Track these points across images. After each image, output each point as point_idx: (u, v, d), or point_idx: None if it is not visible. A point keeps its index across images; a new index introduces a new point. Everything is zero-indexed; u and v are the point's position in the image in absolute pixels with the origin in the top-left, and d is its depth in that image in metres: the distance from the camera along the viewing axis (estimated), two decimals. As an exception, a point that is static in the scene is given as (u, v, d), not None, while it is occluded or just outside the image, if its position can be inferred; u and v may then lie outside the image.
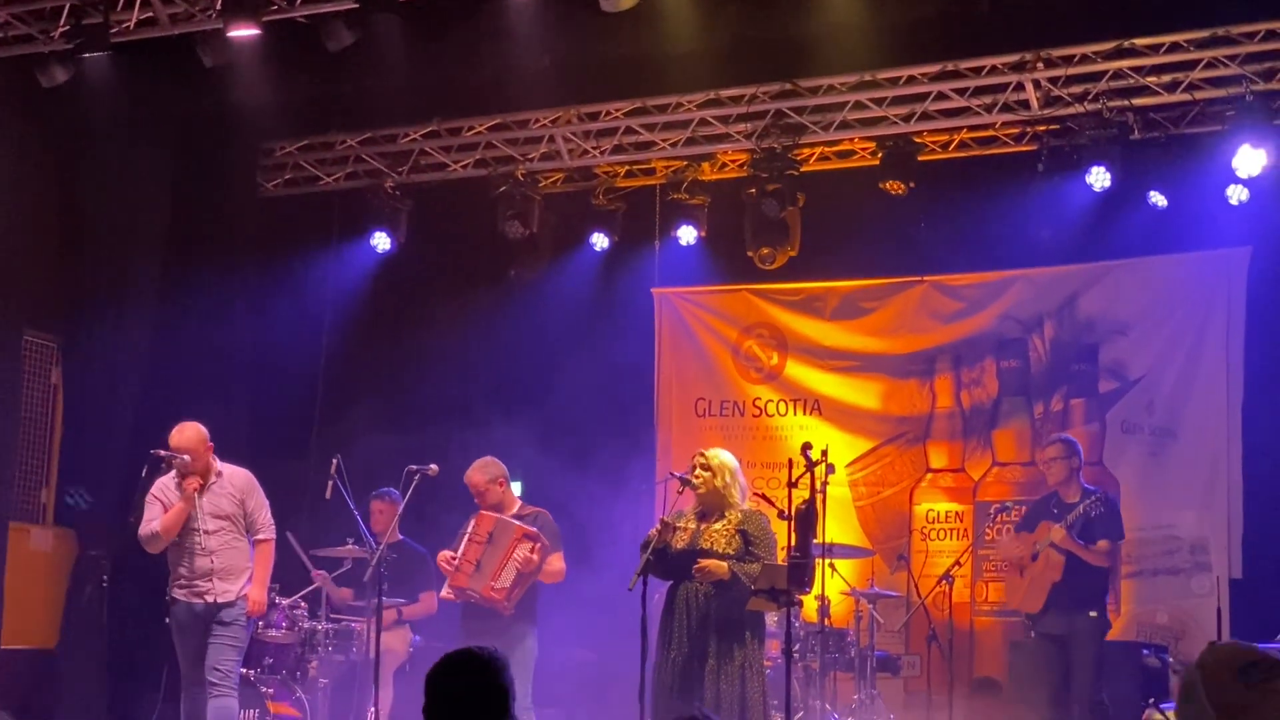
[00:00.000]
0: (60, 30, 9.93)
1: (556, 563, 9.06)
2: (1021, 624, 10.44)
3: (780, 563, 7.66)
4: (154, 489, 8.77)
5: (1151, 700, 9.03)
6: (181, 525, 8.64)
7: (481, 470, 9.21)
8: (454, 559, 8.94)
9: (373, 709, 9.38)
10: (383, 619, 9.00)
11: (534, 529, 8.89)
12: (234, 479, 8.90)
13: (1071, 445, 9.60)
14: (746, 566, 7.64)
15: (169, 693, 10.01)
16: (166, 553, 8.76)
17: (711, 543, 7.75)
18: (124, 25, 9.86)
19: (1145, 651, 9.58)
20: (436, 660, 3.72)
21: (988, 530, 10.93)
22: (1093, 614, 9.13)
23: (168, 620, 8.80)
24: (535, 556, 8.79)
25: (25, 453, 11.38)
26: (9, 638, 10.72)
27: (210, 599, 8.66)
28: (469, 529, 9.02)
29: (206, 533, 8.66)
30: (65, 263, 11.59)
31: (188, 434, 8.73)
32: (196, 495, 8.66)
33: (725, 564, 7.67)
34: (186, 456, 8.67)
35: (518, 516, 9.07)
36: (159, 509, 8.68)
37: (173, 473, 8.74)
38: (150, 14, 9.85)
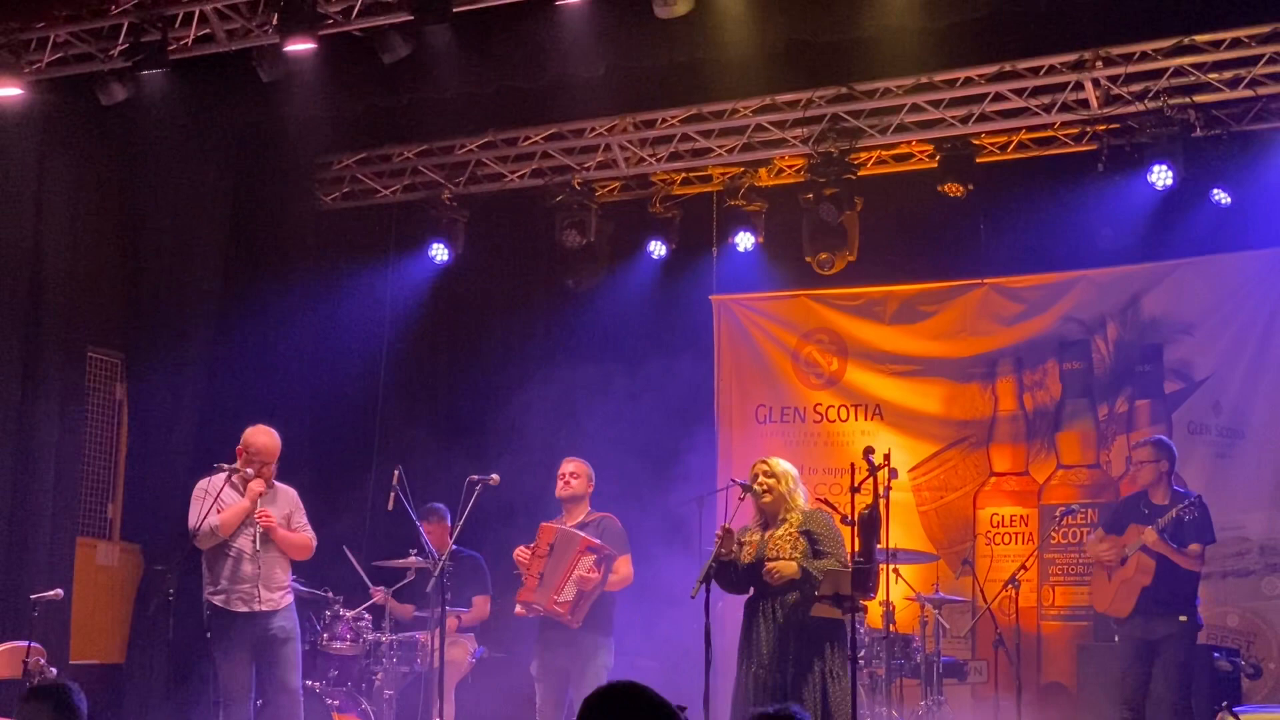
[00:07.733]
0: (119, 48, 10.01)
1: (624, 568, 9.03)
2: (1093, 627, 10.34)
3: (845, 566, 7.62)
4: (200, 487, 8.71)
5: (1224, 704, 8.90)
6: (238, 525, 8.64)
7: (583, 463, 9.24)
8: (526, 555, 8.93)
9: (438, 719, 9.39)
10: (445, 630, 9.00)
11: (598, 541, 8.85)
12: (284, 493, 8.98)
13: (1162, 448, 9.20)
14: (816, 563, 7.60)
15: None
16: (204, 557, 8.73)
17: (777, 550, 7.70)
18: (182, 42, 9.92)
19: (1216, 655, 9.42)
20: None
21: (1053, 534, 10.81)
22: (1183, 618, 8.83)
23: (208, 634, 8.71)
24: (596, 574, 8.75)
25: (91, 468, 11.46)
26: (78, 653, 10.79)
27: (256, 606, 8.62)
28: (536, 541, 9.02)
29: (258, 538, 8.65)
30: (127, 279, 11.68)
31: (272, 438, 8.80)
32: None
33: (794, 563, 7.62)
34: (250, 470, 8.73)
35: (583, 523, 9.04)
36: (209, 505, 8.60)
37: (221, 475, 8.72)
38: (208, 30, 9.91)
